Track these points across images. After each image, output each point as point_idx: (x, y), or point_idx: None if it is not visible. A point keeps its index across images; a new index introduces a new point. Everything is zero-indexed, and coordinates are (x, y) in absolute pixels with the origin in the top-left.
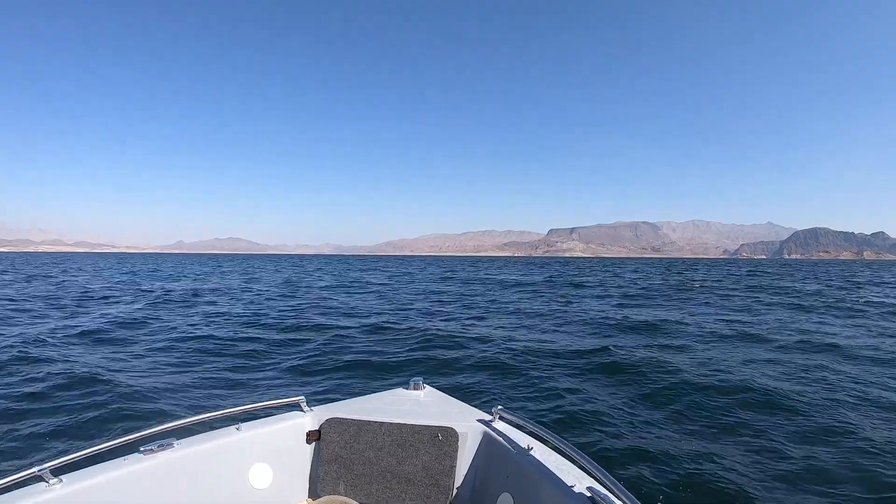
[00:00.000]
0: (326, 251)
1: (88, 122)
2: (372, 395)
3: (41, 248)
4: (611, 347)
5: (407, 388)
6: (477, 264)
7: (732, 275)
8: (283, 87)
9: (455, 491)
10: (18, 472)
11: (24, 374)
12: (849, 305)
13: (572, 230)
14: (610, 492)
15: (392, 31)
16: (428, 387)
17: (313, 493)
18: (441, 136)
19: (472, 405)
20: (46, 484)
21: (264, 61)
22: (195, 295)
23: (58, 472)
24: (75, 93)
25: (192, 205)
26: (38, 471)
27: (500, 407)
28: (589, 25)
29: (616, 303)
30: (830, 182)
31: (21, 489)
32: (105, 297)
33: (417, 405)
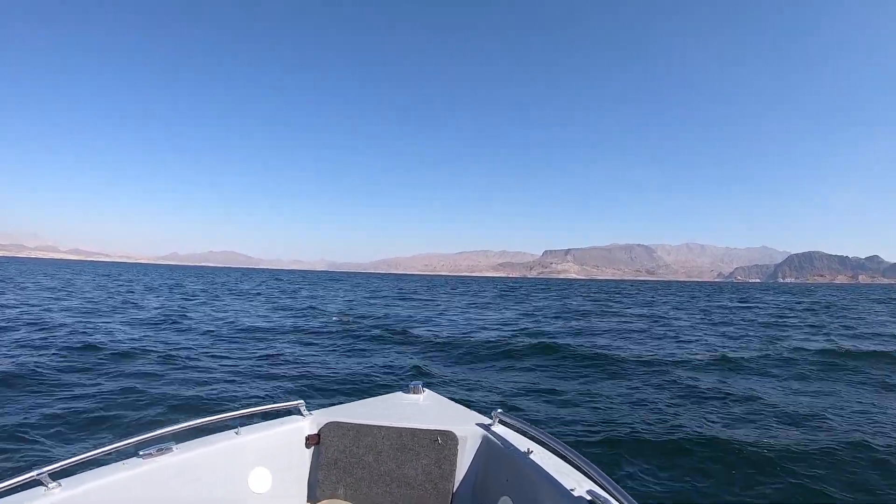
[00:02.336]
0: (320, 267)
1: (89, 128)
2: (371, 398)
3: (34, 254)
4: None
5: (406, 392)
6: (456, 286)
7: None
8: (283, 101)
9: (454, 495)
10: (18, 476)
11: None
12: None
13: (567, 251)
14: (610, 495)
15: (389, 48)
16: (427, 391)
17: (312, 497)
18: (438, 155)
19: (472, 409)
20: (45, 488)
21: (263, 77)
22: None
23: (57, 475)
24: (76, 99)
25: (189, 216)
26: (38, 474)
27: (499, 411)
28: (585, 49)
29: None
30: (824, 205)
31: (20, 493)
32: None
33: (417, 409)
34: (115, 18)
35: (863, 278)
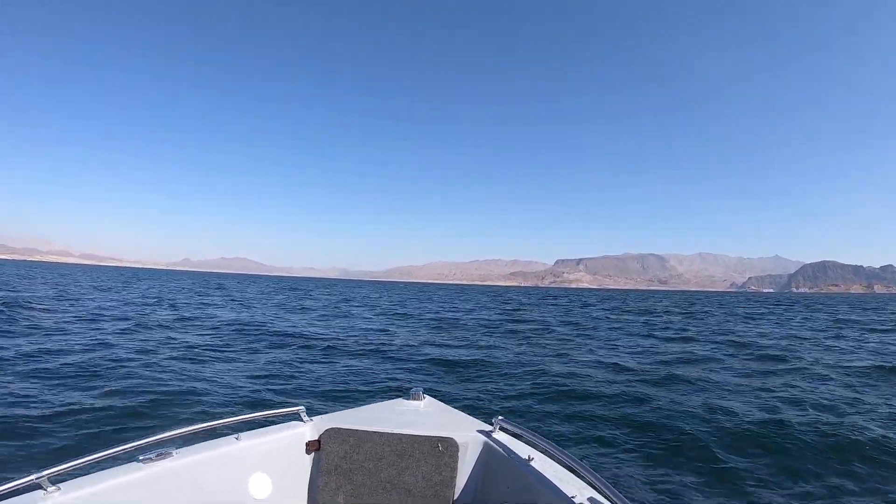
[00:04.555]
0: (332, 275)
1: (100, 134)
2: (372, 405)
3: (47, 259)
4: None
5: (407, 398)
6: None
7: None
8: (297, 109)
9: (455, 502)
10: (17, 480)
11: None
12: None
13: (579, 261)
14: (612, 503)
15: (399, 58)
16: (428, 397)
17: (313, 503)
18: (450, 164)
19: (473, 416)
20: (44, 491)
21: (274, 84)
22: None
23: (56, 479)
24: (86, 104)
25: (203, 222)
26: (37, 478)
27: (500, 417)
28: (598, 60)
29: None
30: (836, 215)
31: (19, 497)
32: None
33: (417, 415)
34: (123, 22)
35: (878, 288)
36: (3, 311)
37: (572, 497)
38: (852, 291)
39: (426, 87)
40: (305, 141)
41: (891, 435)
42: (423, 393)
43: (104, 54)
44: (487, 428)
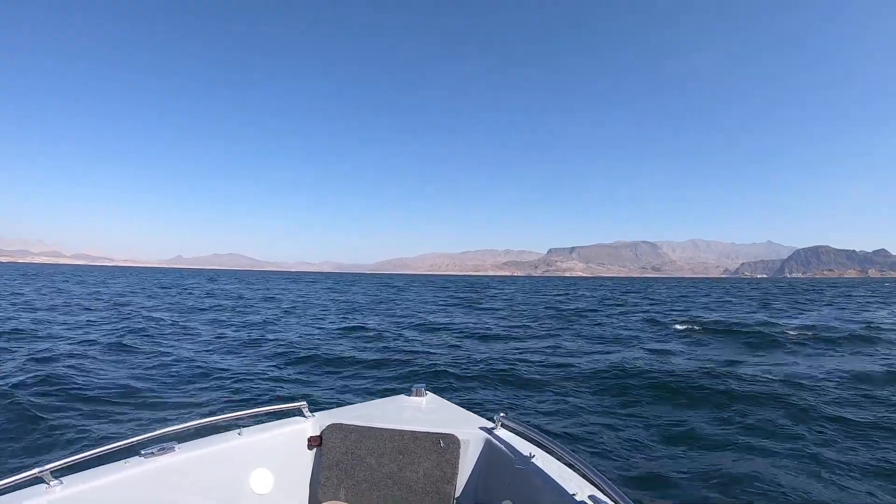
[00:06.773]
0: (326, 269)
1: (91, 133)
2: (374, 401)
3: (38, 260)
4: None
5: (409, 395)
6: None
7: None
8: (288, 103)
9: (456, 498)
10: (20, 473)
11: None
12: None
13: (572, 249)
14: (612, 500)
15: (390, 49)
16: (430, 394)
17: (314, 498)
18: (442, 155)
19: (475, 412)
20: (47, 485)
21: (267, 79)
22: None
23: (59, 473)
24: (77, 102)
25: (194, 219)
26: (39, 472)
27: (502, 414)
28: (589, 49)
29: None
30: (828, 200)
31: (22, 490)
32: None
33: (419, 412)
34: (110, 19)
35: (872, 272)
36: None
37: (573, 495)
38: (847, 276)
39: (417, 80)
40: (297, 135)
41: None
42: (426, 389)
43: (95, 52)
44: (489, 425)
